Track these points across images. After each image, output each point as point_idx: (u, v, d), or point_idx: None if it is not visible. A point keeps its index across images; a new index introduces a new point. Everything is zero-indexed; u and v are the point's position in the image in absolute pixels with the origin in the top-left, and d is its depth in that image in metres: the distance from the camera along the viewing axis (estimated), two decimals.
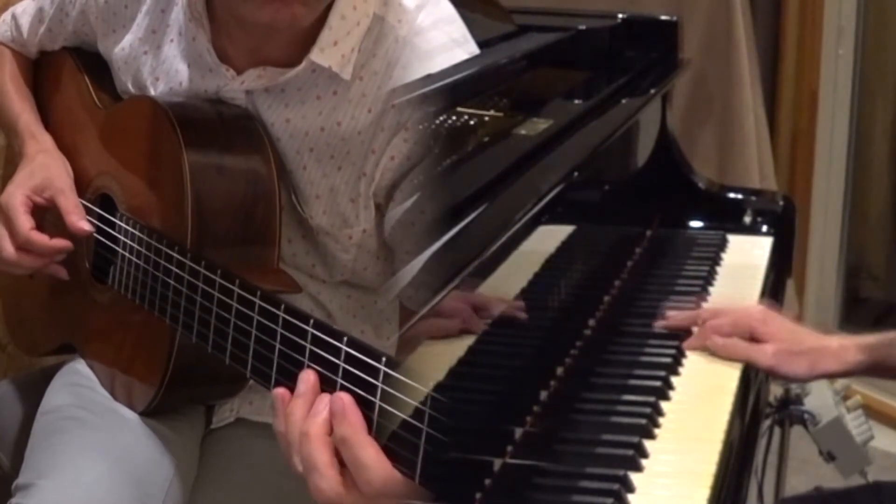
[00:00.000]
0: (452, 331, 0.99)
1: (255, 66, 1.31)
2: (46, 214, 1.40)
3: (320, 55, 1.27)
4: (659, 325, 1.37)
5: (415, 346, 0.93)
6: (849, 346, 1.31)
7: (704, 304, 1.48)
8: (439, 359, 0.95)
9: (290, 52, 1.28)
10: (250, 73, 1.31)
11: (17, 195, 1.38)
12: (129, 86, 1.42)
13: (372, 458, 0.88)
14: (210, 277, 1.14)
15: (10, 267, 1.39)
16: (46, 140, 1.47)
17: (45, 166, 1.42)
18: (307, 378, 0.95)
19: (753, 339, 1.32)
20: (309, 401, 0.94)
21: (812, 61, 3.05)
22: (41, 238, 1.36)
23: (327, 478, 0.90)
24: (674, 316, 1.38)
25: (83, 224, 1.35)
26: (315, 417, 0.92)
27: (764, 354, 1.30)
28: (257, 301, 1.06)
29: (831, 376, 1.33)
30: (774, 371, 1.31)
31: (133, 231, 1.30)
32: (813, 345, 1.31)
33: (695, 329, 1.36)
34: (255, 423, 1.38)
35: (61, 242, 1.36)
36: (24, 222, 1.36)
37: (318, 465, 0.91)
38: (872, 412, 2.29)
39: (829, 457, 1.75)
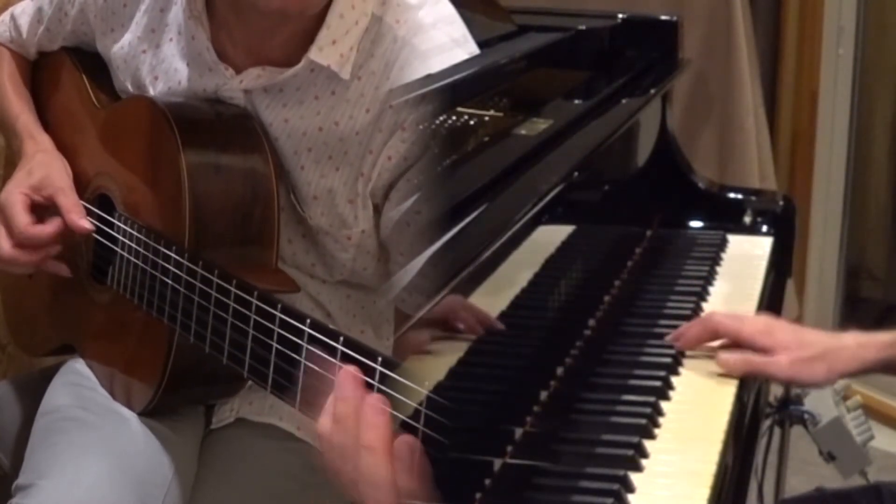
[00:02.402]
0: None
1: (254, 66, 1.31)
2: (45, 214, 1.39)
3: (319, 54, 1.27)
4: (673, 341, 1.31)
5: (406, 356, 0.92)
6: (868, 344, 1.27)
7: (704, 305, 1.48)
8: (437, 359, 0.95)
9: (289, 52, 1.28)
10: (249, 73, 1.31)
11: (16, 193, 1.38)
12: (128, 85, 1.42)
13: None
14: (207, 277, 1.14)
15: (8, 265, 1.39)
16: (45, 140, 1.47)
17: (44, 165, 1.42)
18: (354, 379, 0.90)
19: (759, 351, 1.28)
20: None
21: (812, 61, 3.05)
22: (39, 230, 1.36)
23: (391, 494, 0.86)
24: (684, 335, 1.33)
25: (84, 222, 1.35)
26: (376, 429, 0.87)
27: (779, 366, 1.26)
28: (254, 301, 1.06)
29: (850, 375, 1.29)
30: (793, 381, 1.28)
31: (131, 231, 1.30)
32: (826, 346, 1.27)
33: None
34: (255, 424, 1.38)
35: (56, 227, 1.35)
36: (23, 219, 1.36)
37: (382, 482, 0.86)
38: (872, 412, 2.29)
39: (829, 457, 1.75)
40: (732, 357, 1.27)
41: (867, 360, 1.26)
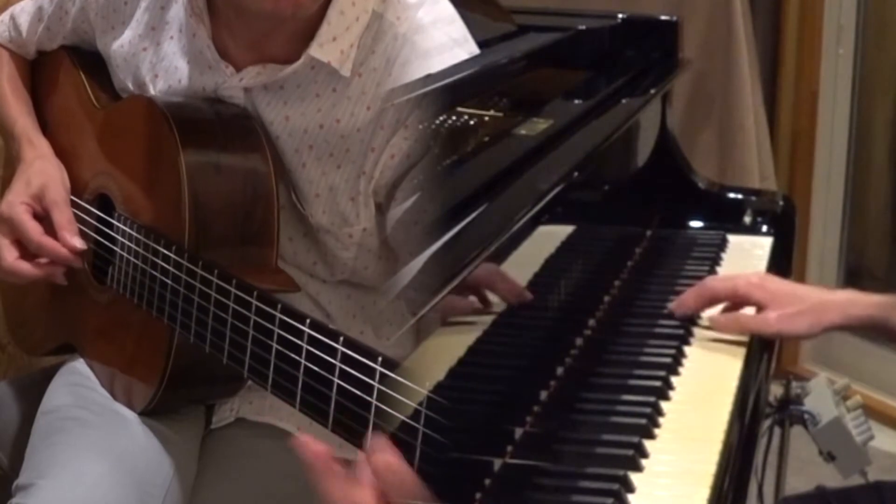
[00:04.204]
0: (468, 308, 0.98)
1: (254, 64, 1.31)
2: (44, 223, 1.39)
3: (319, 50, 1.27)
4: (674, 309, 1.36)
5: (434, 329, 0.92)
6: (857, 301, 1.31)
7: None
8: (438, 359, 0.95)
9: (290, 49, 1.28)
10: (249, 71, 1.31)
11: (18, 204, 1.38)
12: (129, 83, 1.42)
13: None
14: (207, 278, 1.14)
15: (9, 276, 1.39)
16: (43, 145, 1.47)
17: (42, 174, 1.42)
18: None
19: (754, 306, 1.33)
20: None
21: (812, 61, 3.05)
22: (53, 244, 1.36)
23: None
24: (684, 303, 1.37)
25: (75, 241, 1.35)
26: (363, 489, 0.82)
27: (766, 322, 1.31)
28: (254, 301, 1.06)
29: (835, 328, 1.32)
30: (780, 335, 1.33)
31: (131, 231, 1.30)
32: (815, 300, 1.31)
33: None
34: (255, 423, 1.38)
35: (68, 254, 1.36)
36: (34, 227, 1.36)
37: None
38: (872, 412, 2.28)
39: (829, 457, 1.75)
40: (723, 317, 1.34)
41: (853, 315, 1.30)
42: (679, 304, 1.37)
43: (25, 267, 1.38)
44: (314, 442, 0.83)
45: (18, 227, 1.37)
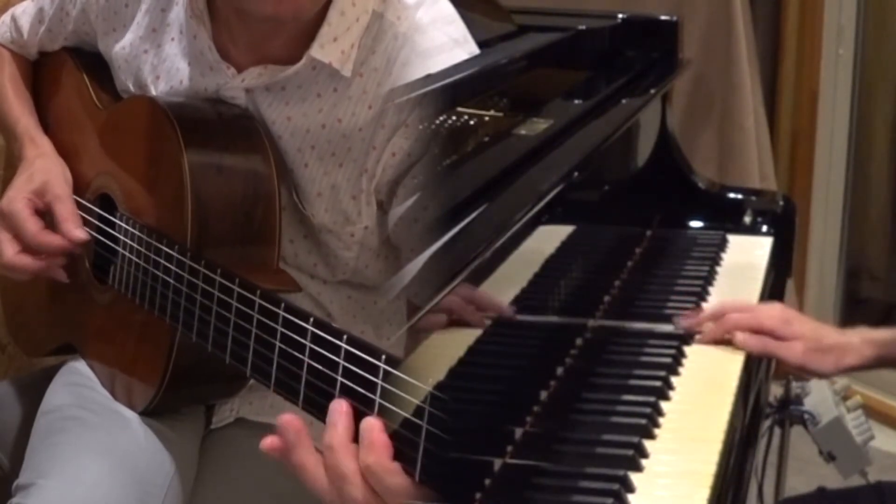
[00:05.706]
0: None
1: (255, 65, 1.31)
2: (45, 218, 1.39)
3: (320, 51, 1.27)
4: (681, 323, 1.37)
5: (421, 340, 0.92)
6: (871, 341, 1.36)
7: (704, 305, 1.48)
8: (440, 357, 0.95)
9: (291, 50, 1.29)
10: (251, 72, 1.31)
11: (19, 199, 1.38)
12: (130, 85, 1.42)
13: (400, 486, 0.87)
14: (210, 276, 1.14)
15: (10, 272, 1.39)
16: (45, 144, 1.47)
17: (44, 170, 1.42)
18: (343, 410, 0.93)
19: (776, 338, 1.35)
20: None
21: (812, 61, 3.05)
22: (51, 238, 1.36)
23: (357, 485, 0.89)
24: (693, 316, 1.39)
25: (78, 232, 1.35)
26: (335, 428, 0.91)
27: (793, 352, 1.34)
28: (257, 300, 1.06)
29: (853, 370, 1.39)
30: (804, 368, 1.36)
31: (133, 231, 1.30)
32: (836, 341, 1.36)
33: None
34: (255, 424, 1.38)
35: (67, 243, 1.36)
36: (33, 223, 1.36)
37: (347, 474, 0.90)
38: (872, 412, 2.29)
39: (829, 457, 1.75)
40: (751, 339, 1.34)
41: (868, 356, 1.36)
42: (693, 325, 1.37)
43: (26, 261, 1.37)
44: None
45: (17, 223, 1.37)
